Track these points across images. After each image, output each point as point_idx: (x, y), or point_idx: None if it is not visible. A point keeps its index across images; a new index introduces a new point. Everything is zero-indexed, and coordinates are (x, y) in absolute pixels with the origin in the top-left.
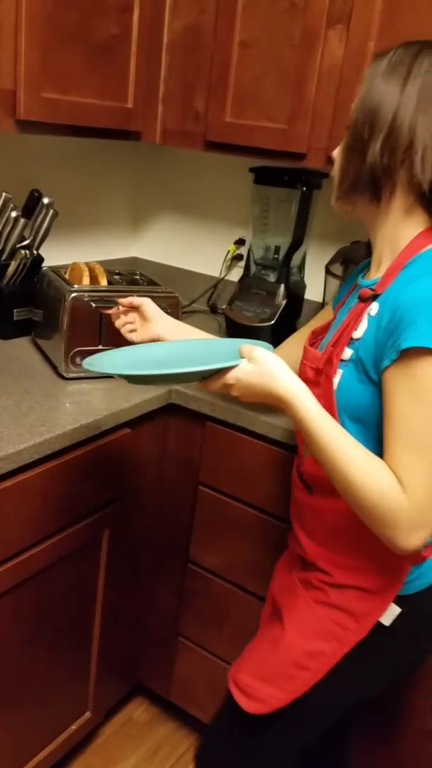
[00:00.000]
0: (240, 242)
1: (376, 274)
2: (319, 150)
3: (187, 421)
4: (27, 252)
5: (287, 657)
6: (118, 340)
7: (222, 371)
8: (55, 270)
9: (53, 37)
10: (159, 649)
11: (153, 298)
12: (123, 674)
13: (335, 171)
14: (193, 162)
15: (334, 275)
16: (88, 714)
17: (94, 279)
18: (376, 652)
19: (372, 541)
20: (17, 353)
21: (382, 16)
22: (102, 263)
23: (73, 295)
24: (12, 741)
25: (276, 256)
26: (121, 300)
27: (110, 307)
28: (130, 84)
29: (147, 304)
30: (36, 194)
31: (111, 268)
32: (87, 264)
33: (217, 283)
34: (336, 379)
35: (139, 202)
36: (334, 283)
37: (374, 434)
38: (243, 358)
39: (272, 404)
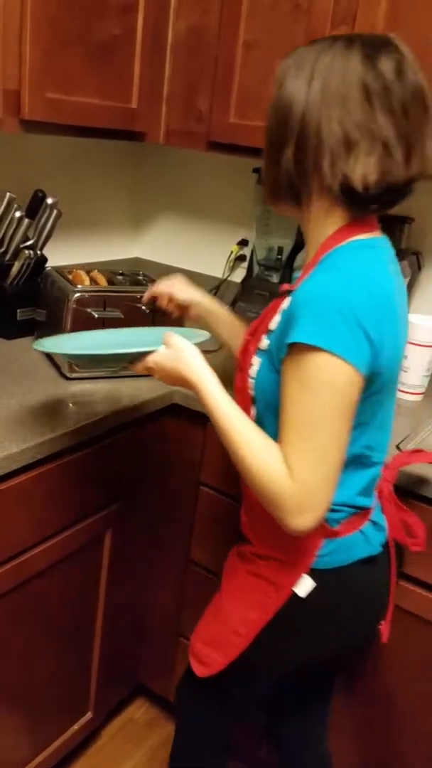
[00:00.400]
0: (243, 243)
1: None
2: None
3: (188, 422)
4: (31, 252)
5: (226, 624)
6: None
7: (144, 355)
8: (59, 270)
9: (57, 38)
10: (160, 649)
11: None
12: (124, 675)
13: (264, 183)
14: (196, 162)
15: None
16: (89, 714)
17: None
18: (293, 622)
19: None
20: (20, 353)
21: (387, 17)
22: (104, 264)
23: (77, 295)
24: (14, 741)
25: (279, 256)
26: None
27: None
28: (134, 84)
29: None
30: (40, 194)
31: (113, 268)
32: (88, 272)
33: (220, 284)
34: (255, 368)
35: (141, 202)
36: None
37: None
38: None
39: (187, 387)
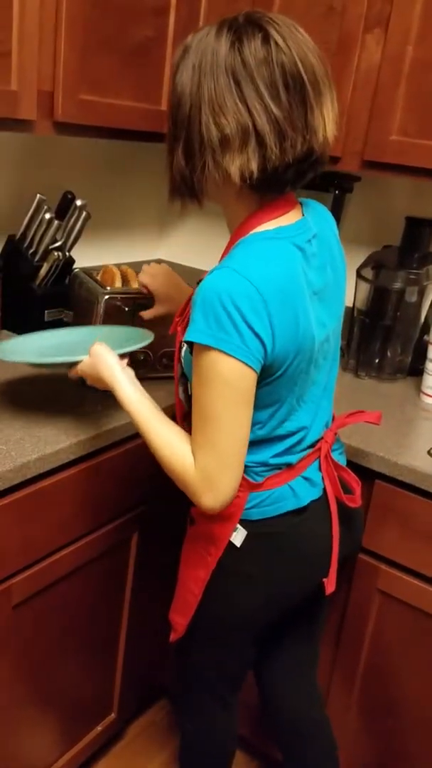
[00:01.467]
0: None
1: None
2: (354, 154)
3: None
4: (59, 254)
5: (183, 587)
6: (149, 343)
7: (75, 363)
8: (87, 272)
9: (91, 40)
10: (177, 653)
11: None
12: (147, 677)
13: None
14: None
15: (365, 279)
16: (112, 715)
17: (125, 282)
18: (234, 571)
19: None
20: None
21: (421, 20)
22: (128, 265)
23: (106, 297)
24: (40, 741)
25: None
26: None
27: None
28: (164, 86)
29: (158, 284)
30: (69, 196)
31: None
32: (119, 267)
33: None
34: (182, 351)
35: (166, 204)
36: (364, 287)
37: None
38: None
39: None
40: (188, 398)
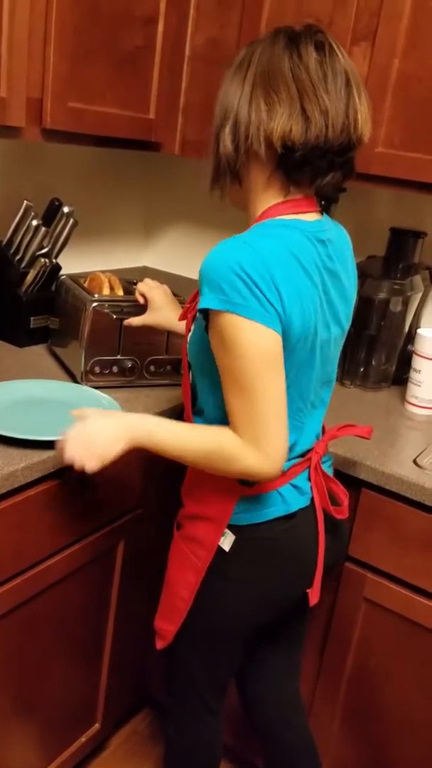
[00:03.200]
0: None
1: None
2: None
3: None
4: (46, 260)
5: (171, 593)
6: (137, 350)
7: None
8: (74, 279)
9: (80, 48)
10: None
11: None
12: (132, 686)
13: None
14: (207, 174)
15: None
16: (97, 726)
17: (111, 290)
18: (224, 576)
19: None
20: (34, 361)
21: (408, 33)
22: (113, 272)
23: (94, 305)
24: (24, 752)
25: None
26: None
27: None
28: (152, 95)
29: (154, 294)
30: (56, 203)
31: (125, 277)
32: (104, 274)
33: None
34: (190, 335)
35: (151, 212)
36: None
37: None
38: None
39: (114, 445)
40: (194, 386)
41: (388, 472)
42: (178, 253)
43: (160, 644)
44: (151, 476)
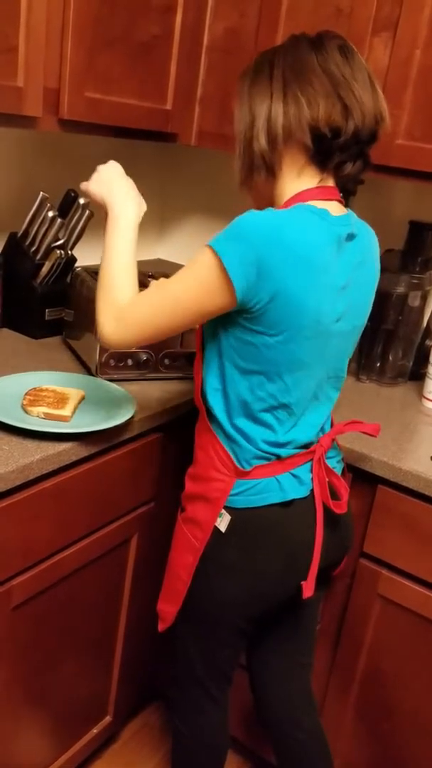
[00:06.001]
0: None
1: None
2: None
3: None
4: (61, 252)
5: (172, 575)
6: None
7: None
8: (89, 270)
9: (98, 38)
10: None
11: None
12: (143, 678)
13: (235, 171)
14: (223, 165)
15: None
16: (108, 718)
17: None
18: (217, 558)
19: (204, 449)
20: (49, 353)
21: (430, 25)
22: None
23: None
24: (36, 744)
25: None
26: None
27: None
28: (169, 85)
29: None
30: (72, 194)
31: (140, 269)
32: None
33: None
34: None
35: (166, 204)
36: None
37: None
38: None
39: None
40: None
41: (405, 468)
42: (193, 246)
43: (161, 626)
44: (165, 470)
